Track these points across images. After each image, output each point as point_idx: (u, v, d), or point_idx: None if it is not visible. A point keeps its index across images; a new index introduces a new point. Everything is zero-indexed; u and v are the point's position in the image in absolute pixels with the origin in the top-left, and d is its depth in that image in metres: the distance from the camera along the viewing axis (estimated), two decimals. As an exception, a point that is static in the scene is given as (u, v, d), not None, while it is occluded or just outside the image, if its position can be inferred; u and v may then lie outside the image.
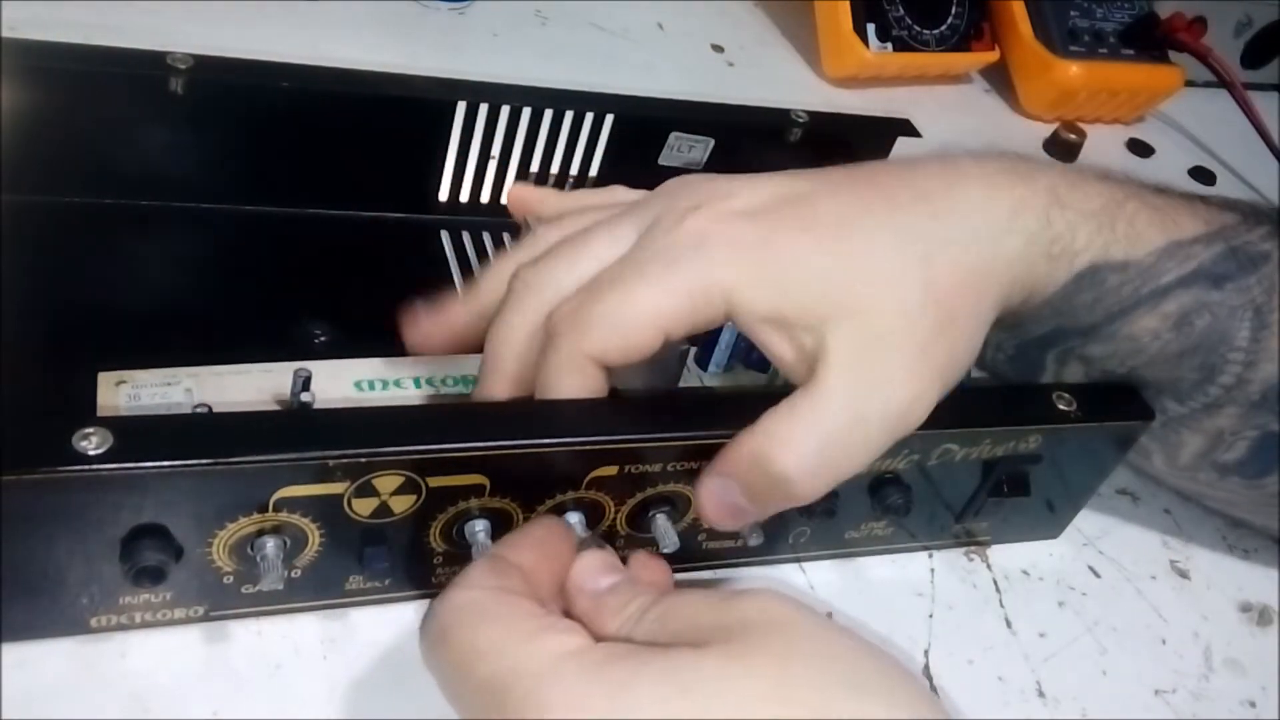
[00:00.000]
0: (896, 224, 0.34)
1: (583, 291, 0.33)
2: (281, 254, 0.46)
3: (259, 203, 0.46)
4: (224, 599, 0.32)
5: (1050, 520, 0.44)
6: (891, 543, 0.41)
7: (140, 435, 0.28)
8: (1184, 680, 0.41)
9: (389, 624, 0.34)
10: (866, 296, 0.32)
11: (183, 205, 0.45)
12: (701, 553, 0.38)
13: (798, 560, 0.40)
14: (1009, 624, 0.41)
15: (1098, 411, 0.39)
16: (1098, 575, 0.44)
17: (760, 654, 0.26)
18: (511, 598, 0.28)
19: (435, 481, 0.31)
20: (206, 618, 0.32)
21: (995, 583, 0.43)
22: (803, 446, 0.31)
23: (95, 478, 0.27)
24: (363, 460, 0.30)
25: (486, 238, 0.49)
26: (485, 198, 0.49)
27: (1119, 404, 0.40)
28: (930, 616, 0.40)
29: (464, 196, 0.49)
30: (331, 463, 0.29)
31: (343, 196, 0.47)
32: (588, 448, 0.32)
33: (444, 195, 0.49)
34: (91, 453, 0.27)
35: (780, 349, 0.33)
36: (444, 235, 0.48)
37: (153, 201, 0.44)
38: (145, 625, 0.32)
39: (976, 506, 0.40)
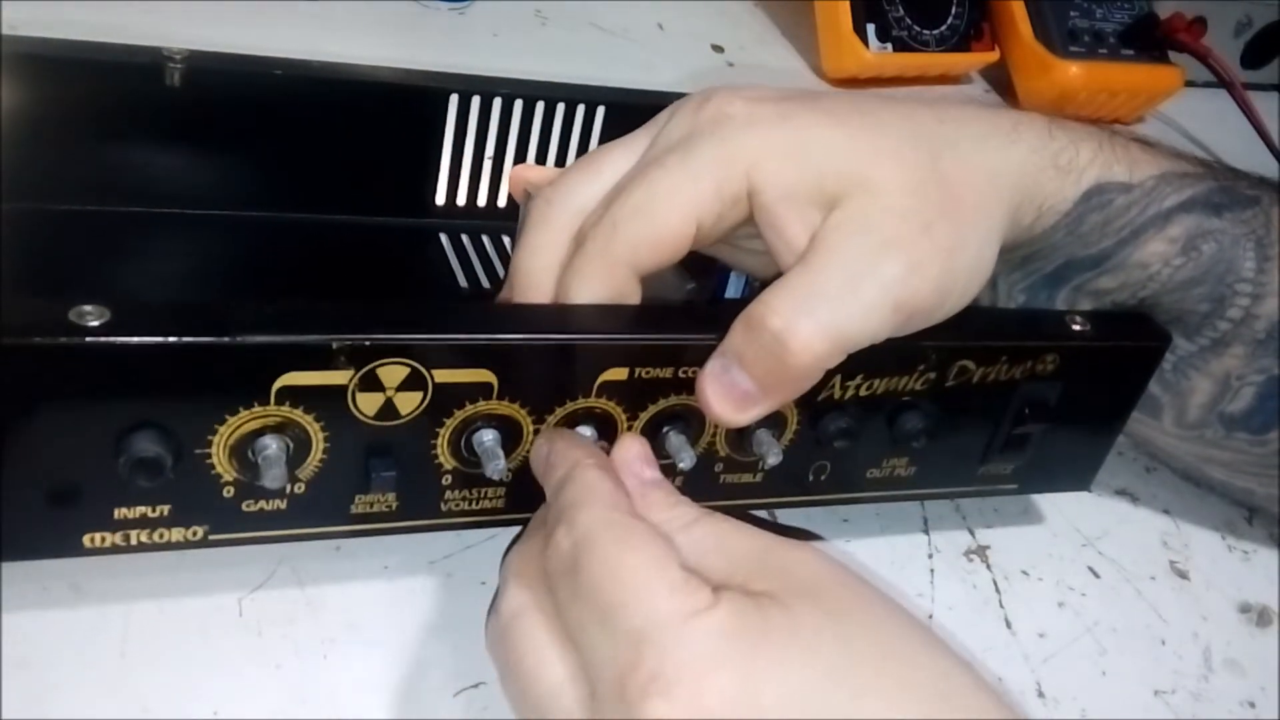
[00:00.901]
0: (907, 118, 0.35)
1: (606, 200, 0.33)
2: (281, 259, 0.46)
3: (258, 208, 0.46)
4: (225, 518, 0.31)
5: (1078, 465, 0.43)
6: (917, 487, 0.40)
7: (140, 312, 0.27)
8: (1184, 680, 0.41)
9: (390, 624, 0.35)
10: (877, 174, 0.32)
11: (181, 212, 0.45)
12: (718, 488, 0.37)
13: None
14: (1009, 624, 0.41)
15: (1112, 333, 0.39)
16: (1097, 575, 0.44)
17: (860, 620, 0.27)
18: (651, 531, 0.28)
19: (442, 376, 0.30)
20: (206, 541, 0.31)
21: (995, 583, 0.43)
22: (796, 306, 0.31)
23: (92, 351, 0.26)
24: (367, 344, 0.29)
25: (486, 240, 0.49)
26: (482, 200, 0.49)
27: (1134, 327, 0.40)
28: (930, 617, 0.40)
29: (461, 200, 0.49)
30: (335, 344, 0.28)
31: (340, 201, 0.47)
32: (596, 344, 0.32)
33: (441, 199, 0.49)
34: (89, 325, 0.26)
35: (794, 231, 0.32)
36: (443, 239, 0.48)
37: (150, 209, 0.44)
38: (142, 548, 0.30)
39: (1001, 441, 0.40)
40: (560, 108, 0.48)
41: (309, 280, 0.45)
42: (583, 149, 0.49)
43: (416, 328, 0.30)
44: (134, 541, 0.30)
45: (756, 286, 0.40)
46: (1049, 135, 0.36)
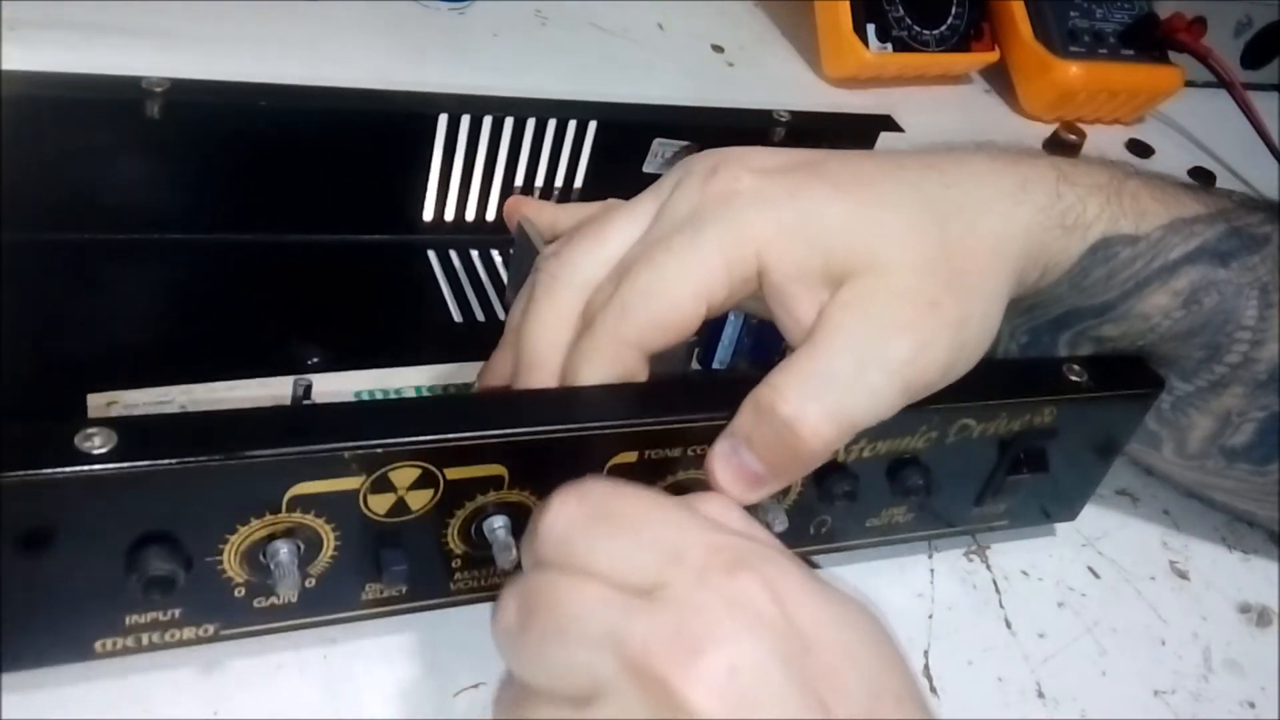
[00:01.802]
0: (914, 186, 0.34)
1: (614, 276, 0.33)
2: (271, 282, 0.45)
3: (245, 231, 0.45)
4: (236, 615, 0.31)
5: (1068, 500, 0.44)
6: (913, 530, 0.41)
7: (145, 433, 0.27)
8: (1183, 681, 0.41)
9: (390, 625, 0.34)
10: (885, 251, 0.32)
11: (167, 237, 0.44)
12: None
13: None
14: (1009, 624, 0.41)
15: (1109, 382, 0.39)
16: (1097, 576, 0.44)
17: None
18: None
19: (453, 473, 0.30)
20: (217, 637, 0.31)
21: (995, 583, 0.43)
22: (805, 391, 0.31)
23: (100, 478, 0.26)
24: (379, 451, 0.29)
25: (474, 255, 0.48)
26: (470, 215, 0.49)
27: (1129, 374, 0.40)
28: (930, 617, 0.40)
29: (449, 215, 0.48)
30: (347, 454, 0.28)
31: (328, 221, 0.46)
32: (606, 432, 0.32)
33: (429, 215, 0.48)
34: (95, 452, 0.26)
35: (803, 309, 0.32)
36: (431, 255, 0.48)
37: (136, 235, 0.43)
38: (153, 648, 0.30)
39: (995, 486, 0.40)
40: (551, 124, 0.47)
41: (299, 300, 0.44)
42: (572, 163, 0.49)
43: (426, 429, 0.29)
44: (145, 643, 0.30)
45: (754, 324, 0.40)
46: (1056, 194, 0.36)
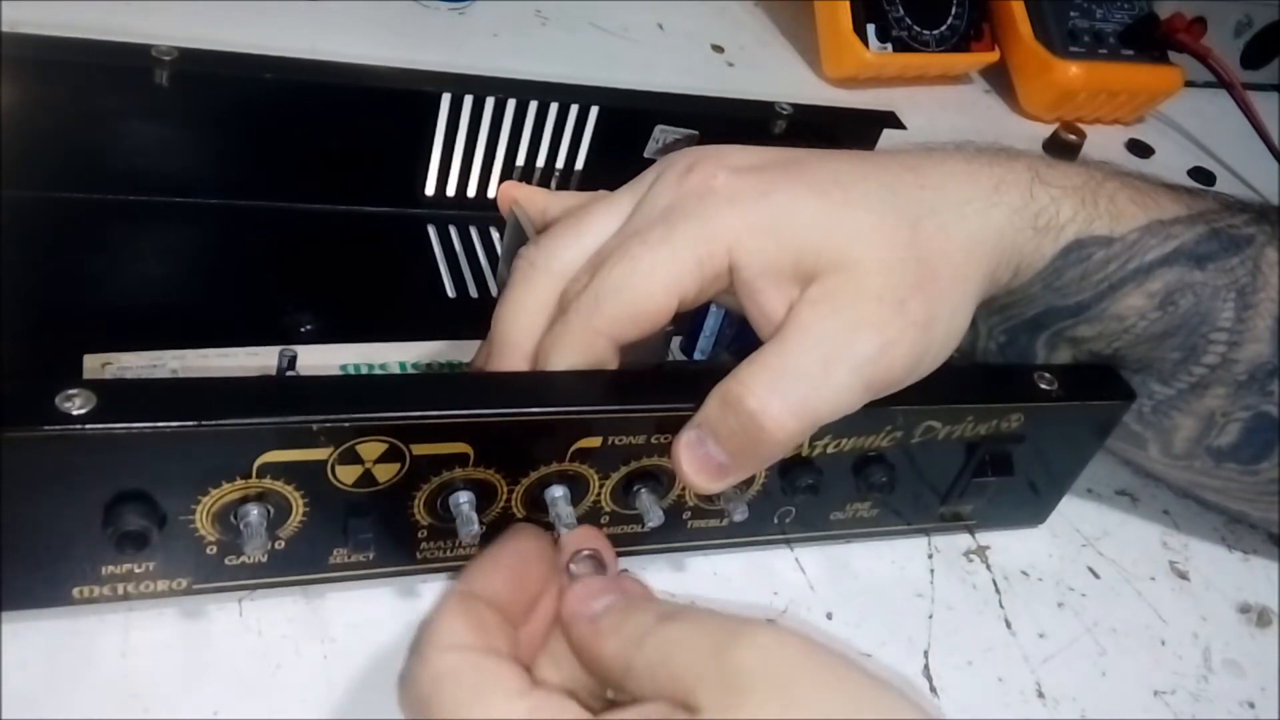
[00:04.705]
0: (888, 187, 0.35)
1: (590, 266, 0.33)
2: (269, 248, 0.46)
3: (246, 197, 0.46)
4: (208, 571, 0.32)
5: (1035, 505, 0.44)
6: (877, 525, 0.41)
7: (124, 397, 0.28)
8: (1183, 681, 0.41)
9: (390, 624, 0.34)
10: (854, 251, 0.33)
11: (170, 200, 0.45)
12: (686, 532, 0.38)
13: (788, 543, 0.40)
14: (1009, 625, 0.41)
15: (1079, 391, 0.39)
16: (1097, 576, 0.44)
17: None
18: (493, 666, 0.27)
19: (419, 449, 0.31)
20: (190, 591, 0.32)
21: (995, 583, 0.43)
22: (771, 386, 0.31)
23: (78, 438, 0.27)
24: (346, 425, 0.29)
25: (473, 231, 0.49)
26: (472, 192, 0.50)
27: (1100, 384, 0.40)
28: (930, 617, 0.40)
29: (450, 190, 0.49)
30: (315, 427, 0.29)
31: (330, 190, 0.47)
32: (570, 417, 0.32)
33: (430, 189, 0.49)
34: (75, 413, 0.27)
35: (773, 305, 0.33)
36: (430, 229, 0.49)
37: (140, 196, 0.44)
38: (128, 597, 0.31)
39: (961, 487, 0.40)
40: (553, 107, 0.48)
41: (297, 267, 0.45)
42: (574, 146, 0.50)
43: (394, 406, 0.30)
44: (120, 592, 0.31)
45: (737, 314, 0.41)
46: (1030, 195, 0.36)
